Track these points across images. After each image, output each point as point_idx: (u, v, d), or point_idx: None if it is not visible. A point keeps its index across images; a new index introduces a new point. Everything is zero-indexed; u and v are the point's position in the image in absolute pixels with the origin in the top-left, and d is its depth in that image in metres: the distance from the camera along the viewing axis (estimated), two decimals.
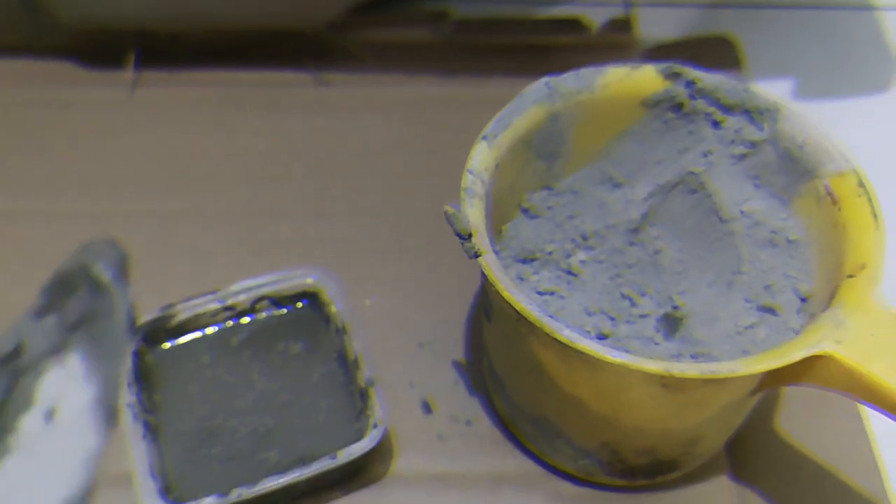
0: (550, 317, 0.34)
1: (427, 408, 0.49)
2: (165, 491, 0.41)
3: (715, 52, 0.68)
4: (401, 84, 0.68)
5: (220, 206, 0.59)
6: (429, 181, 0.61)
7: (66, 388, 0.27)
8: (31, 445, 0.26)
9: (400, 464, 0.47)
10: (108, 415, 0.29)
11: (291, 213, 0.59)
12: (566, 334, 0.33)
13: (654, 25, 0.71)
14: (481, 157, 0.39)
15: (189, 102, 0.67)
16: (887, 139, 0.63)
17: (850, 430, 0.47)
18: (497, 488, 0.46)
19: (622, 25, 0.71)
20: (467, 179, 0.38)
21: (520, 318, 0.36)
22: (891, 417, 0.32)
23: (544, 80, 0.42)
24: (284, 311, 0.49)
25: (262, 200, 0.60)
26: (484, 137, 0.40)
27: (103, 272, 0.29)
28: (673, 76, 0.42)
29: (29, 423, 0.26)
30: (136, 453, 0.42)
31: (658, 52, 0.69)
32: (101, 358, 0.28)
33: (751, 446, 0.47)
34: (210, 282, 0.54)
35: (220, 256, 0.56)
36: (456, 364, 0.50)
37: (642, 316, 0.44)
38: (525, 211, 0.45)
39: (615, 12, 0.72)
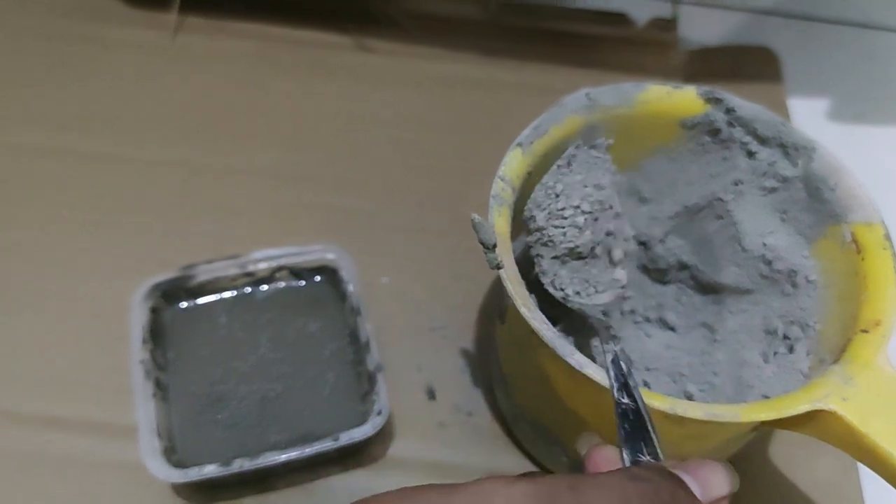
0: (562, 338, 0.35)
1: (431, 394, 0.49)
2: (168, 452, 0.42)
3: (755, 62, 0.67)
4: (440, 59, 0.67)
5: (245, 165, 0.60)
6: (456, 162, 0.61)
7: None
8: None
9: (398, 446, 0.48)
10: None
11: (315, 179, 0.59)
12: (576, 359, 0.34)
13: (697, 26, 0.71)
14: (514, 164, 0.39)
15: (227, 55, 0.67)
16: None
17: (839, 461, 0.48)
18: None
19: (666, 24, 0.70)
20: (498, 186, 0.39)
21: (535, 332, 0.36)
22: (884, 479, 0.32)
23: (585, 90, 0.42)
24: (301, 283, 0.50)
25: (287, 163, 0.60)
26: (519, 143, 0.40)
27: None
28: (713, 101, 0.42)
29: None
30: (142, 411, 0.43)
31: (699, 56, 0.69)
32: None
33: (740, 469, 0.47)
34: (229, 241, 0.55)
35: (241, 216, 0.57)
36: (464, 353, 0.51)
37: None
38: None
39: (659, 9, 0.71)
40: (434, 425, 0.49)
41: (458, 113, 0.64)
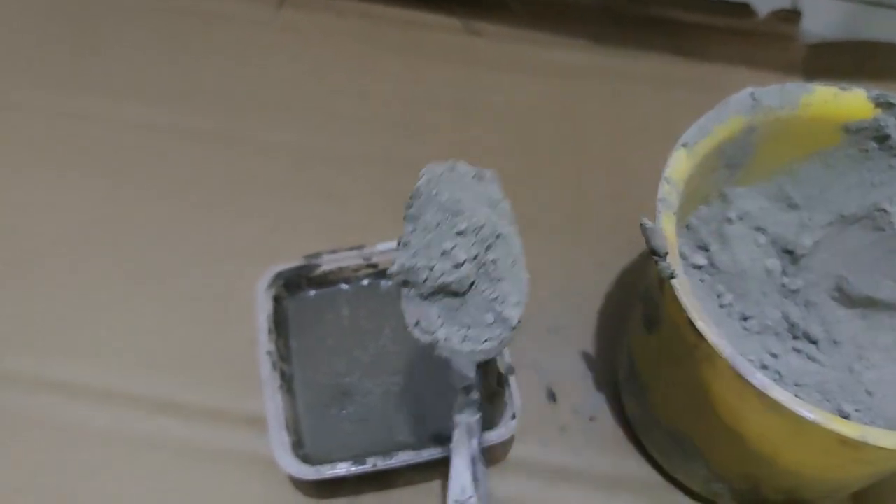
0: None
1: (552, 396, 0.48)
2: (295, 446, 0.41)
3: (881, 59, 0.64)
4: (550, 45, 0.65)
5: (354, 149, 0.58)
6: (571, 154, 0.59)
7: None
8: None
9: (519, 449, 0.46)
10: None
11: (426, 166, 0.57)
12: (758, 379, 0.32)
13: (820, 19, 0.68)
14: (680, 166, 0.37)
15: (331, 33, 0.65)
16: None
17: None
18: (615, 492, 0.45)
19: (787, 16, 0.67)
20: (664, 189, 0.36)
21: (699, 345, 0.34)
22: None
23: (749, 90, 0.40)
24: None
25: (397, 149, 0.58)
26: (684, 144, 0.38)
27: None
28: (885, 105, 0.40)
29: None
30: (271, 404, 0.42)
31: (821, 50, 0.66)
32: None
33: (872, 495, 0.45)
34: (340, 228, 0.53)
35: (351, 202, 0.55)
36: (586, 356, 0.49)
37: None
38: (687, 227, 0.44)
39: (779, 2, 0.68)
40: (555, 429, 0.47)
41: (571, 102, 0.62)
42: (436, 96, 0.62)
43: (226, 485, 0.44)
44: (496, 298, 0.30)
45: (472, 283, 0.30)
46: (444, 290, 0.30)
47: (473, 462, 0.29)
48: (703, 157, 0.39)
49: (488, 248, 0.30)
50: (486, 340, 0.31)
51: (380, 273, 0.48)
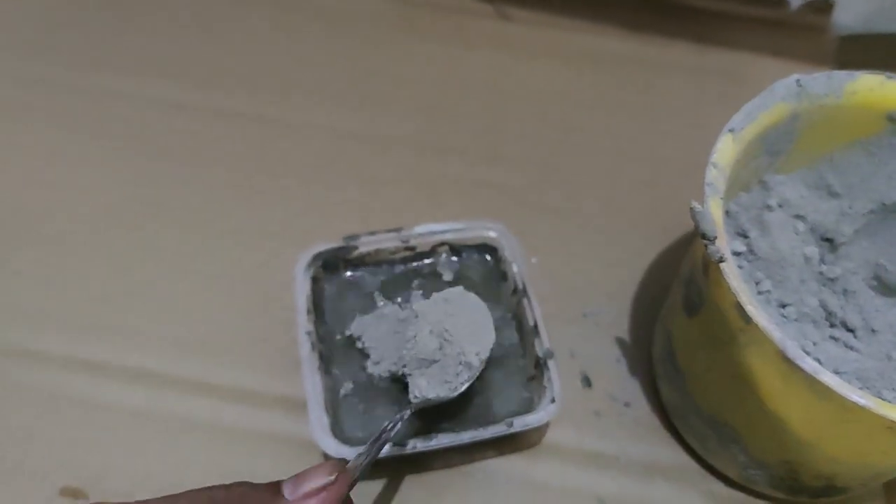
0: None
1: (587, 381, 0.48)
2: (334, 427, 0.41)
3: None
4: (583, 32, 0.65)
5: (388, 132, 0.58)
6: (605, 141, 0.59)
7: None
8: None
9: (554, 433, 0.46)
10: None
11: (459, 152, 0.58)
12: (809, 364, 0.32)
13: (848, 10, 0.67)
14: (726, 151, 0.37)
15: (365, 16, 0.65)
16: None
17: None
18: (649, 477, 0.45)
19: (819, 7, 0.67)
20: (711, 174, 0.36)
21: (745, 329, 0.34)
22: None
23: (795, 77, 0.40)
24: (456, 259, 0.48)
25: (431, 133, 0.59)
26: (731, 129, 0.38)
27: None
28: None
29: None
30: (310, 385, 0.42)
31: (852, 42, 0.65)
32: None
33: None
34: (376, 210, 0.53)
35: (385, 186, 0.55)
36: (620, 341, 0.49)
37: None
38: (726, 213, 0.44)
39: None
40: (590, 414, 0.47)
41: (604, 89, 0.62)
42: (467, 80, 0.62)
43: (260, 465, 0.44)
44: (459, 353, 0.40)
45: (439, 349, 0.40)
46: (420, 361, 0.40)
47: (382, 434, 0.37)
48: (748, 143, 0.39)
49: (439, 323, 0.40)
50: (462, 383, 0.40)
51: (417, 255, 0.48)
